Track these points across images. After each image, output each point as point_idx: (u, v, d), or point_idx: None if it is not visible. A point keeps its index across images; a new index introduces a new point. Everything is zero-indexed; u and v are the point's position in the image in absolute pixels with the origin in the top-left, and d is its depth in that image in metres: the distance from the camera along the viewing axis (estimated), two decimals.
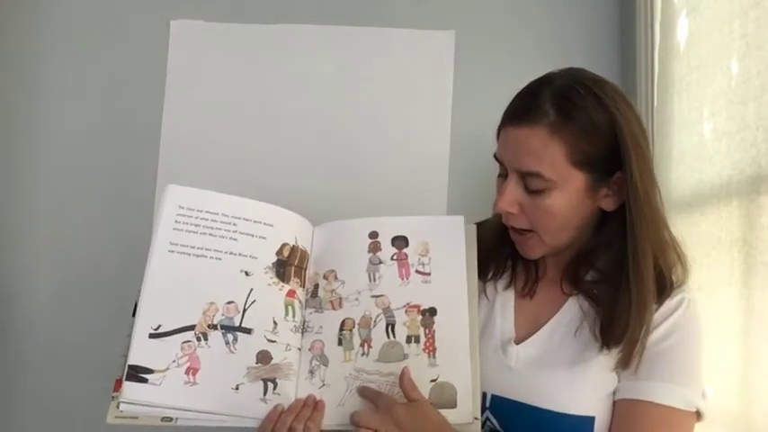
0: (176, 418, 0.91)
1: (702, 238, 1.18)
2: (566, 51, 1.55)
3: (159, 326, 0.92)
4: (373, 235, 1.03)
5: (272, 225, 1.01)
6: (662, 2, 1.41)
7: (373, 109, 1.58)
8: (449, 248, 1.01)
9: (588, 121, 0.91)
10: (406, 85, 1.58)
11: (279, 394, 0.93)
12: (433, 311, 0.97)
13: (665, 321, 0.94)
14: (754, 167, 1.03)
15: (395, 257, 1.01)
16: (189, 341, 0.92)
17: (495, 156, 0.99)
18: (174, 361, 0.91)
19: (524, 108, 0.94)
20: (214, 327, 0.94)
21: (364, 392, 0.92)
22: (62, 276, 1.56)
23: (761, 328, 0.99)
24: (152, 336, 0.92)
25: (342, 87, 1.59)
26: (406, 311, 0.97)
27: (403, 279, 1.00)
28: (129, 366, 0.89)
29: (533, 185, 0.93)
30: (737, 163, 1.07)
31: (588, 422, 0.93)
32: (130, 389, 0.88)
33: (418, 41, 1.59)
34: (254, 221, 1.01)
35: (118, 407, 0.90)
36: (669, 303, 0.96)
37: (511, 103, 0.98)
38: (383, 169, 1.55)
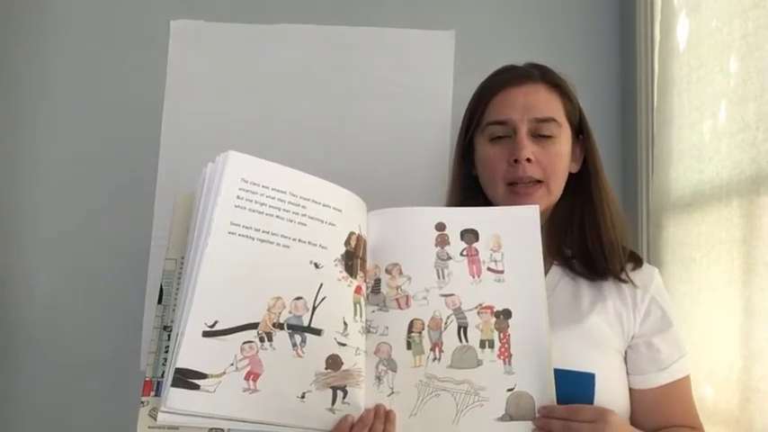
0: (228, 430, 0.80)
1: (702, 238, 1.18)
2: (566, 51, 1.55)
3: (216, 322, 0.78)
4: (440, 227, 0.94)
5: (340, 210, 0.91)
6: (662, 2, 1.41)
7: (373, 109, 1.58)
8: (522, 243, 0.93)
9: (566, 87, 1.06)
10: (406, 85, 1.58)
11: (348, 404, 0.84)
12: (507, 314, 0.90)
13: (656, 301, 1.00)
14: (754, 167, 1.03)
15: (465, 253, 0.93)
16: (250, 341, 0.80)
17: (488, 123, 1.04)
18: (232, 364, 0.78)
19: (517, 74, 1.06)
20: (280, 326, 0.82)
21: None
22: (62, 276, 1.56)
23: (761, 328, 0.99)
24: (206, 334, 0.78)
25: (341, 87, 1.58)
26: (478, 313, 0.90)
27: (474, 277, 0.92)
28: (177, 370, 0.75)
29: (546, 131, 1.02)
30: (737, 163, 1.07)
31: (588, 378, 0.93)
32: (177, 396, 0.74)
33: (418, 41, 1.59)
34: (324, 205, 0.90)
35: (152, 416, 0.78)
36: (647, 267, 1.04)
37: (494, 76, 1.08)
38: (383, 169, 1.55)
